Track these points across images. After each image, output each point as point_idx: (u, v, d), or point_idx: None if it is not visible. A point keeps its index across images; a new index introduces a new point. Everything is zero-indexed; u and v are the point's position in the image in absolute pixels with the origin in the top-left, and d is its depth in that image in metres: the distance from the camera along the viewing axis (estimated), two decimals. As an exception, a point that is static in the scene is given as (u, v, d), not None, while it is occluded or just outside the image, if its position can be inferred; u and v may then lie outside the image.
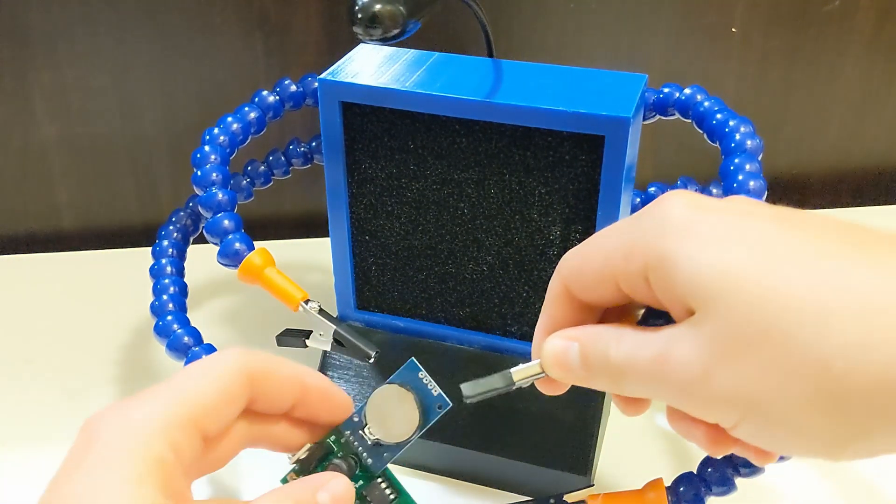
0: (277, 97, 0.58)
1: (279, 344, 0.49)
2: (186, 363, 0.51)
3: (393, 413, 0.40)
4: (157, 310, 0.54)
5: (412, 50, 0.54)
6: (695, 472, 0.48)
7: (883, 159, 0.87)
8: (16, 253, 0.80)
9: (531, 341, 0.55)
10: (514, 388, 0.39)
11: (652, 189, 0.62)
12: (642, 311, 0.37)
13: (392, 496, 0.41)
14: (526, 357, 0.54)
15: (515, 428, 0.54)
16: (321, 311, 0.47)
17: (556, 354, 0.36)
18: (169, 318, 0.53)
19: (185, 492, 0.33)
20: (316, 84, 0.58)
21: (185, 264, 0.59)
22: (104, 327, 0.70)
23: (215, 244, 0.50)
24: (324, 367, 0.58)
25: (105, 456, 0.31)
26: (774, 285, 0.29)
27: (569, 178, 0.50)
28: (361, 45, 0.56)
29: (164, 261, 0.57)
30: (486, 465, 0.55)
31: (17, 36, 0.72)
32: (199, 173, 0.52)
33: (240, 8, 0.72)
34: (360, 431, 0.41)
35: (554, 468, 0.52)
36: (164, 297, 0.55)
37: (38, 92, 0.75)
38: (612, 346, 0.33)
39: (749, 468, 0.46)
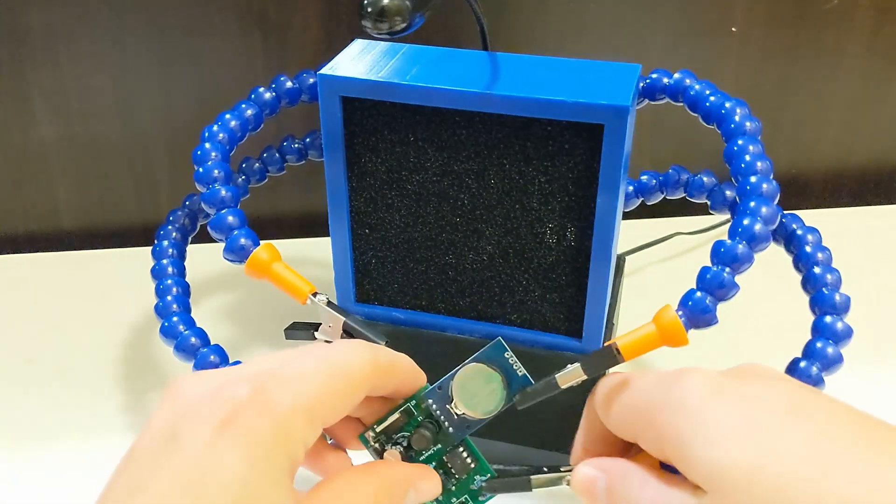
0: (274, 94, 0.58)
1: (288, 337, 0.48)
2: (195, 365, 0.50)
3: (478, 390, 0.42)
4: (161, 311, 0.53)
5: (408, 45, 0.54)
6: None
7: (883, 158, 0.86)
8: (16, 253, 0.79)
9: (531, 329, 0.56)
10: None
11: (644, 178, 0.61)
12: None
13: (472, 464, 0.42)
14: (525, 345, 0.54)
15: (521, 414, 0.54)
16: (329, 304, 0.46)
17: (585, 482, 0.39)
18: (174, 319, 0.52)
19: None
20: (312, 80, 0.58)
21: (185, 264, 0.58)
22: (104, 327, 0.69)
23: (220, 240, 0.49)
24: None
25: (251, 447, 0.31)
26: (784, 488, 0.31)
27: (568, 167, 0.49)
28: (356, 41, 0.55)
29: (164, 261, 0.56)
30: (492, 451, 0.54)
31: (16, 36, 0.71)
32: (200, 170, 0.52)
33: (238, 7, 0.72)
34: (446, 404, 0.41)
35: (561, 451, 0.52)
36: (168, 297, 0.54)
37: (38, 92, 0.74)
38: (635, 488, 0.36)
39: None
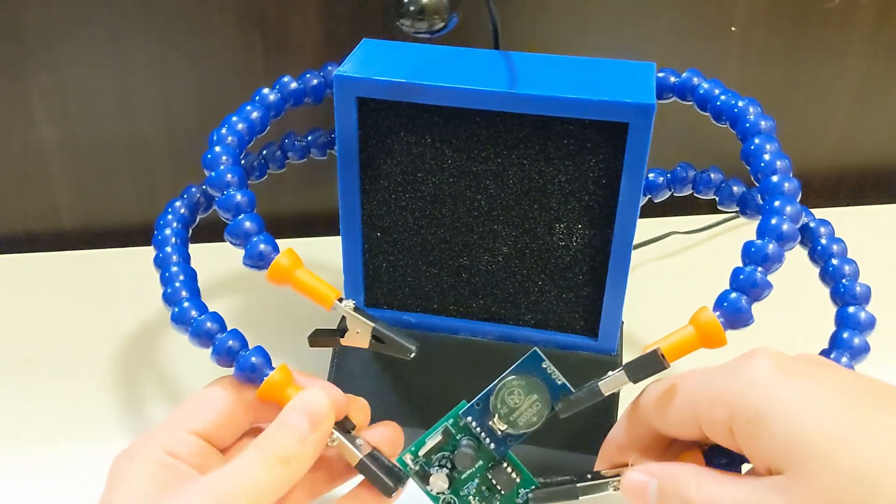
0: (278, 95, 0.54)
1: (312, 345, 0.45)
2: (213, 352, 0.45)
3: (518, 404, 0.40)
4: (170, 298, 0.48)
5: (416, 44, 0.51)
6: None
7: (884, 158, 0.85)
8: (16, 253, 0.76)
9: (545, 329, 0.53)
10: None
11: (651, 175, 0.59)
12: (707, 447, 0.38)
13: (517, 479, 0.40)
14: (539, 346, 0.52)
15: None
16: (356, 309, 0.43)
17: (635, 488, 0.37)
18: (186, 304, 0.47)
19: None
20: (315, 81, 0.54)
21: (189, 251, 0.54)
22: (104, 327, 0.67)
23: (237, 246, 0.46)
24: (336, 369, 0.55)
25: None
26: (867, 462, 0.29)
27: (589, 166, 0.47)
28: (364, 41, 0.52)
29: (168, 249, 0.51)
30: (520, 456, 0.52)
31: (14, 36, 0.68)
32: (213, 174, 0.48)
33: (238, 7, 0.69)
34: (487, 421, 0.40)
35: (580, 451, 0.50)
36: (176, 284, 0.49)
37: (37, 93, 0.71)
38: (692, 488, 0.34)
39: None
